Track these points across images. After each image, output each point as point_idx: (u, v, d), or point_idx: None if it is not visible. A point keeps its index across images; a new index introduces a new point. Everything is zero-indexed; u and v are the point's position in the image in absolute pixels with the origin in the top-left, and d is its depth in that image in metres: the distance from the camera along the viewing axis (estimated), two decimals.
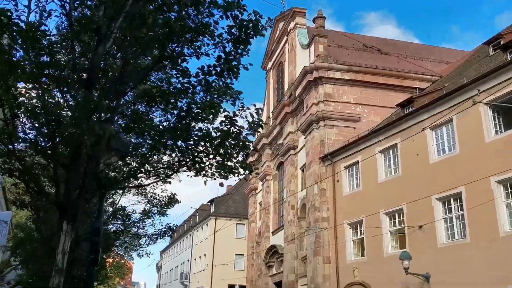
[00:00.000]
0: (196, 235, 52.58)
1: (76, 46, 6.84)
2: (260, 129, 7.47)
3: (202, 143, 7.04)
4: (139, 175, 7.90)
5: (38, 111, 6.69)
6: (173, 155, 7.46)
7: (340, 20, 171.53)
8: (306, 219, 25.58)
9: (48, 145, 6.89)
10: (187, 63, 6.92)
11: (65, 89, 6.63)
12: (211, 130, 6.98)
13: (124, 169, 8.05)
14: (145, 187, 19.55)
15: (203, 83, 6.60)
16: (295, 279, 26.59)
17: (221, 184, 7.45)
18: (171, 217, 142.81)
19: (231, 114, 6.97)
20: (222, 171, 7.23)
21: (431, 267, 17.06)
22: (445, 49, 36.10)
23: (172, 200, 19.85)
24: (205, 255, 46.79)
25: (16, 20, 5.97)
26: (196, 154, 7.19)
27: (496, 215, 15.16)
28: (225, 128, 7.00)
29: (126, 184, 8.66)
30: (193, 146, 7.15)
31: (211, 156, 7.13)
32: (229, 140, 7.07)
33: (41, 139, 6.86)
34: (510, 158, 14.99)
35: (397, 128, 20.25)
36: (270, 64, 37.60)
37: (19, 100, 6.76)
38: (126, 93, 7.04)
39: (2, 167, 7.18)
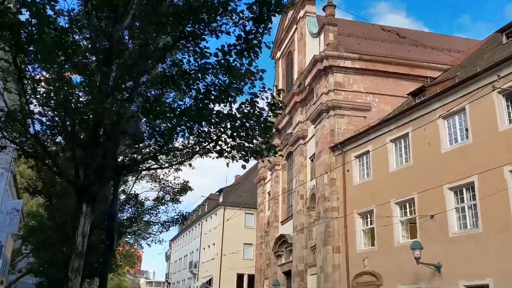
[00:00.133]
0: (205, 225, 52.84)
1: (93, 25, 6.74)
2: (280, 111, 7.37)
3: (223, 125, 6.96)
4: (159, 157, 7.83)
5: (53, 94, 6.61)
6: (191, 138, 7.39)
7: (350, 9, 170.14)
8: (316, 209, 25.54)
9: (66, 125, 6.84)
10: (207, 42, 6.82)
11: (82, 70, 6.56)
12: (233, 111, 6.88)
13: (144, 150, 7.98)
14: (159, 173, 19.64)
15: (222, 62, 6.49)
16: (304, 269, 26.63)
17: (243, 167, 7.35)
18: (182, 205, 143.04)
19: (251, 96, 6.86)
20: (243, 153, 7.14)
21: (442, 257, 16.99)
22: (456, 38, 35.70)
23: (185, 188, 19.95)
24: (214, 244, 47.02)
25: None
26: (217, 135, 7.11)
27: (510, 205, 15.04)
28: (245, 110, 6.90)
29: (146, 166, 8.59)
30: (214, 128, 7.07)
31: (231, 139, 7.05)
32: (250, 122, 6.96)
33: (58, 120, 6.80)
34: None
35: (408, 117, 20.08)
36: (279, 53, 37.37)
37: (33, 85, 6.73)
38: (146, 72, 6.94)
39: (20, 148, 7.13)
